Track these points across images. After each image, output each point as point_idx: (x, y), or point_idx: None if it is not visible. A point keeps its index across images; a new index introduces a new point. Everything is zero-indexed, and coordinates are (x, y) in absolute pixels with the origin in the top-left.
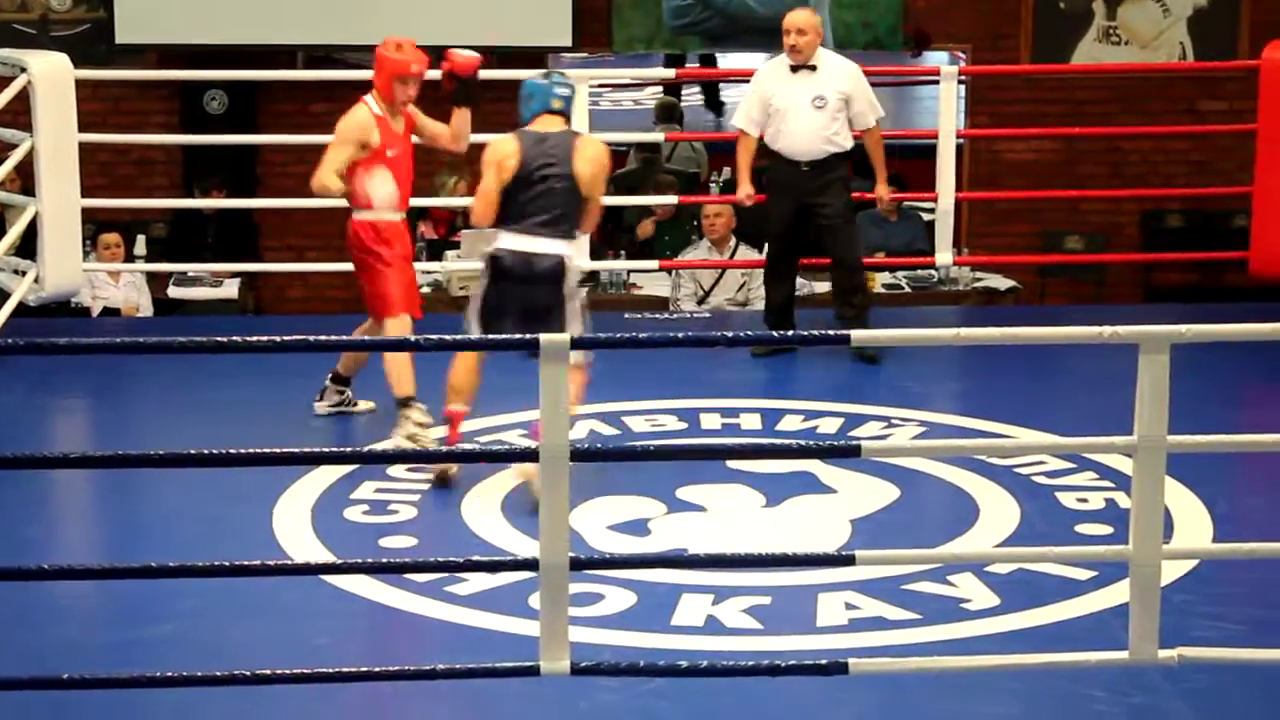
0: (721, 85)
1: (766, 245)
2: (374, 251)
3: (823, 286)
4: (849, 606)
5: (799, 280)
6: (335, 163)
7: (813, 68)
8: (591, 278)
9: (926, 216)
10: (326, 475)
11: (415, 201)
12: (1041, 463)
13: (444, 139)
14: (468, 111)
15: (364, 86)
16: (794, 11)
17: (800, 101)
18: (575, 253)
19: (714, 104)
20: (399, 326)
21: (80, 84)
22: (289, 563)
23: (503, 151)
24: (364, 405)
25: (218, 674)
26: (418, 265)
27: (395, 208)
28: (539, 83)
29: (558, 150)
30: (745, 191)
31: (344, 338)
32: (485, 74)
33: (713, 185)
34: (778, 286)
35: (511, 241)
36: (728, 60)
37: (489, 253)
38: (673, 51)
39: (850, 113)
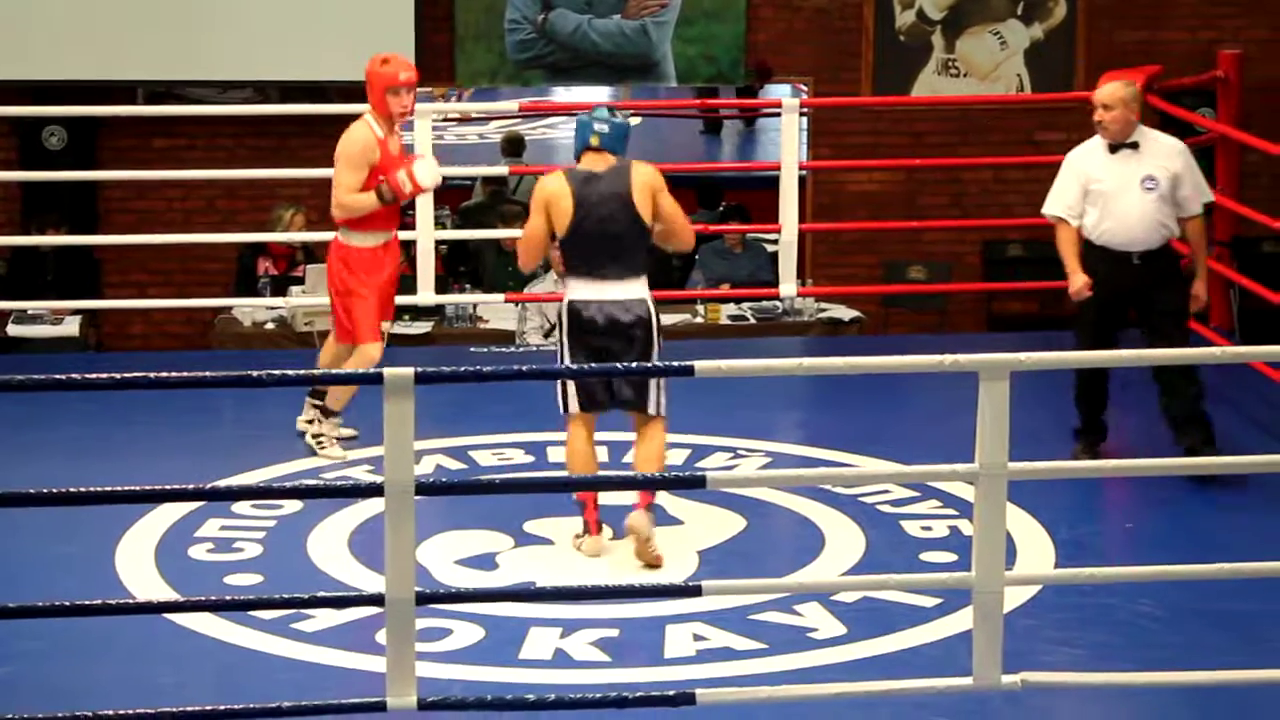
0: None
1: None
2: (357, 277)
3: (668, 318)
4: (697, 637)
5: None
6: (350, 184)
7: (1134, 145)
8: (437, 311)
9: (770, 248)
10: (170, 513)
11: (252, 237)
12: (886, 491)
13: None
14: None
15: (204, 122)
16: (1102, 85)
17: (1128, 183)
18: (648, 294)
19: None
20: (368, 354)
21: None
22: (131, 601)
23: (551, 190)
24: (345, 431)
25: (59, 715)
26: (260, 301)
27: (374, 229)
28: (581, 119)
29: (612, 185)
30: (1082, 281)
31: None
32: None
33: None
34: (1092, 399)
35: (586, 290)
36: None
37: (566, 303)
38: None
39: (1176, 195)
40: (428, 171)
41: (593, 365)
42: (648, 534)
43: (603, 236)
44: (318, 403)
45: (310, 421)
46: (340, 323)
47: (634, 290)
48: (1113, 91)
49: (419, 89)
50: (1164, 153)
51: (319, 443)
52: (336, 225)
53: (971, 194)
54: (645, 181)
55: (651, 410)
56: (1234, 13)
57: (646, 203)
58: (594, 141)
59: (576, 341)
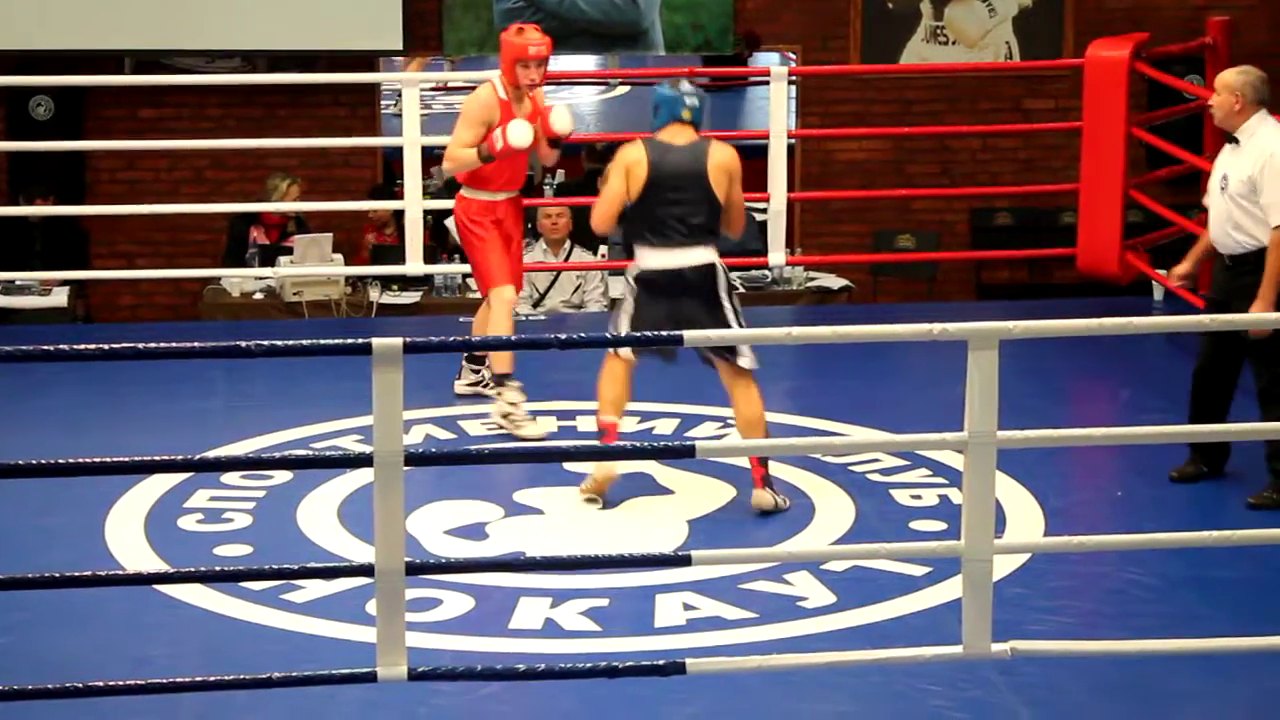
0: None
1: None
2: (475, 227)
3: None
4: (687, 607)
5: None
6: (463, 140)
7: (1235, 140)
8: (425, 281)
9: (759, 217)
10: (160, 484)
11: (239, 207)
12: (876, 460)
13: (542, 149)
14: (556, 152)
15: (192, 91)
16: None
17: (1215, 179)
18: (718, 258)
19: None
20: (502, 296)
21: None
22: (121, 573)
23: (631, 158)
24: (533, 430)
25: (49, 686)
26: (249, 271)
27: (502, 187)
28: (666, 93)
29: (690, 159)
30: (1182, 269)
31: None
32: (312, 78)
33: (546, 187)
34: (1206, 408)
35: (655, 258)
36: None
37: (635, 273)
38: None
39: (1260, 201)
40: (520, 132)
41: (579, 337)
42: (770, 506)
43: (675, 205)
44: (476, 368)
45: (474, 385)
46: (479, 272)
47: (702, 256)
48: (1226, 78)
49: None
50: (1253, 153)
51: (514, 423)
52: (460, 182)
53: (960, 162)
54: (721, 163)
55: (743, 363)
56: None
57: (722, 182)
58: (685, 115)
59: (644, 306)
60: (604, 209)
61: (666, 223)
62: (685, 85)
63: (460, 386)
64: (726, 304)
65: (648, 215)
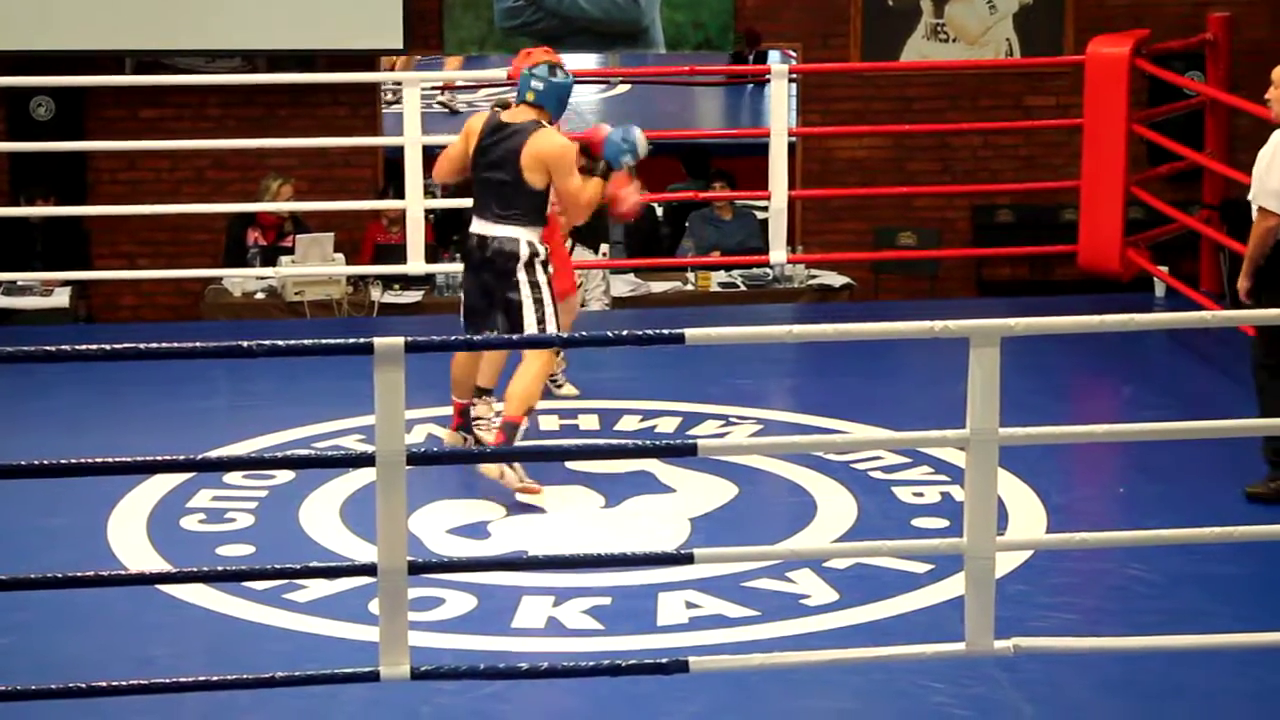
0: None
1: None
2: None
3: (658, 286)
4: (689, 605)
5: (634, 279)
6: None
7: None
8: (427, 280)
9: (760, 215)
10: (162, 484)
11: (240, 207)
12: (878, 458)
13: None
14: (597, 181)
15: (193, 91)
16: None
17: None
18: (532, 237)
19: None
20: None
21: None
22: (123, 573)
23: (471, 125)
24: (568, 389)
25: (52, 687)
26: (250, 272)
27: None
28: (524, 73)
29: (511, 140)
30: (1247, 286)
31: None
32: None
33: None
34: None
35: (472, 225)
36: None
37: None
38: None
39: None
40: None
41: (578, 335)
42: (493, 475)
43: (489, 181)
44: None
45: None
46: None
47: (507, 230)
48: (1277, 70)
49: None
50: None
51: (553, 383)
52: None
53: (961, 159)
54: (536, 151)
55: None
56: None
57: (535, 169)
58: (529, 97)
59: (466, 269)
60: (439, 160)
61: (483, 194)
62: (541, 67)
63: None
64: (523, 281)
65: (473, 183)
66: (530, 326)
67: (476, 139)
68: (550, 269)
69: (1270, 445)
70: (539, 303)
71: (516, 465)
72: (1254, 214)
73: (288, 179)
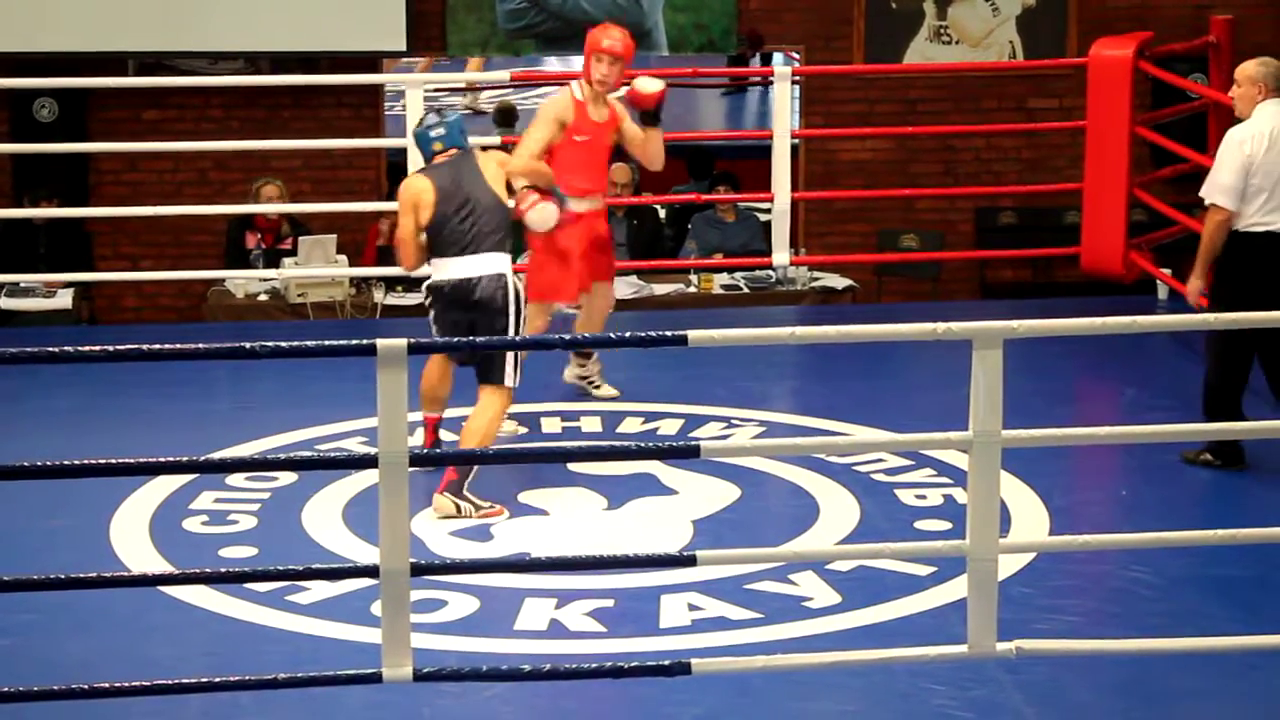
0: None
1: (1211, 362)
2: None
3: (661, 288)
4: (692, 607)
5: (637, 281)
6: (531, 142)
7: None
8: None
9: (763, 217)
10: (165, 485)
11: (241, 209)
12: (880, 460)
13: (637, 147)
14: (656, 131)
15: (195, 93)
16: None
17: None
18: (509, 268)
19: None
20: (534, 312)
21: None
22: (126, 574)
23: (416, 189)
24: (606, 390)
25: (54, 688)
26: (253, 273)
27: (578, 195)
28: (416, 132)
29: (467, 173)
30: (1199, 286)
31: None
32: (315, 79)
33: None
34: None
35: (453, 269)
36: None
37: (431, 284)
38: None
39: None
40: (539, 216)
41: (579, 336)
42: (447, 513)
43: (463, 218)
44: (582, 361)
45: (581, 377)
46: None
47: (493, 265)
48: (1242, 68)
49: (413, 59)
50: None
51: (590, 384)
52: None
53: (964, 162)
54: (492, 161)
55: (503, 382)
56: None
57: (498, 176)
58: (438, 146)
59: (443, 316)
60: (404, 253)
61: (464, 233)
62: (428, 118)
63: (568, 374)
64: (511, 324)
65: (445, 230)
66: (508, 369)
67: (433, 196)
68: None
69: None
70: (518, 326)
71: (468, 495)
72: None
73: (273, 180)
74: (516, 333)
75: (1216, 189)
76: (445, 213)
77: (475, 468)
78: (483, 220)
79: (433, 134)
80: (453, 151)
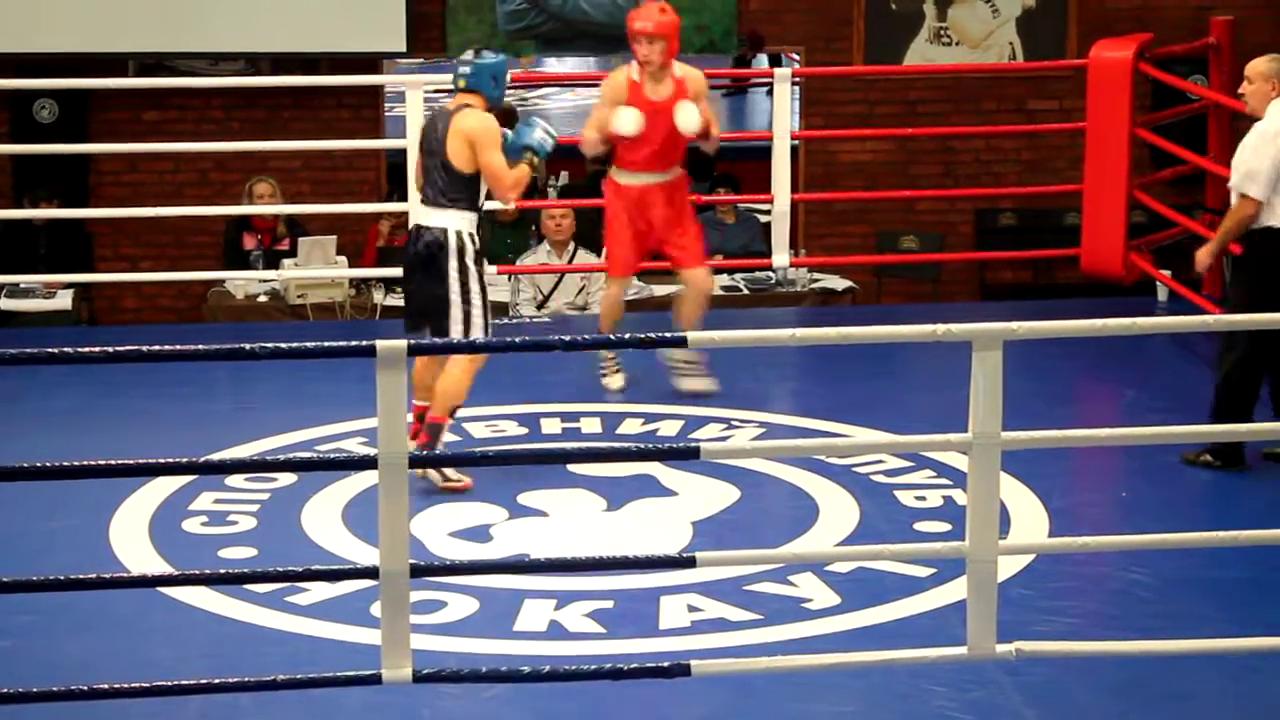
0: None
1: (1234, 360)
2: (606, 207)
3: (661, 289)
4: (691, 608)
5: (637, 282)
6: (593, 120)
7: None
8: None
9: (763, 218)
10: (164, 486)
11: (241, 210)
12: (880, 461)
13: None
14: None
15: (196, 94)
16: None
17: None
18: (462, 226)
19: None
20: (613, 286)
21: None
22: (125, 575)
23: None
24: (615, 381)
25: (54, 689)
26: (253, 274)
27: (634, 169)
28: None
29: (439, 125)
30: (1207, 262)
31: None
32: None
33: (550, 189)
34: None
35: (411, 216)
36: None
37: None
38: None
39: None
40: (625, 119)
41: (580, 339)
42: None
43: (426, 168)
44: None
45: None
46: (606, 254)
47: (438, 219)
48: (1253, 65)
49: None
50: None
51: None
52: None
53: (964, 163)
54: (459, 129)
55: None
56: None
57: (459, 148)
58: (460, 84)
59: (404, 267)
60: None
61: (423, 182)
62: (465, 54)
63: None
64: (451, 274)
65: (419, 172)
66: (455, 326)
67: (420, 134)
68: (484, 264)
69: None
70: (466, 300)
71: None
72: (1233, 200)
73: (263, 177)
74: (464, 290)
75: (1249, 178)
76: (421, 154)
77: (447, 426)
78: (436, 175)
79: (460, 69)
80: (461, 97)
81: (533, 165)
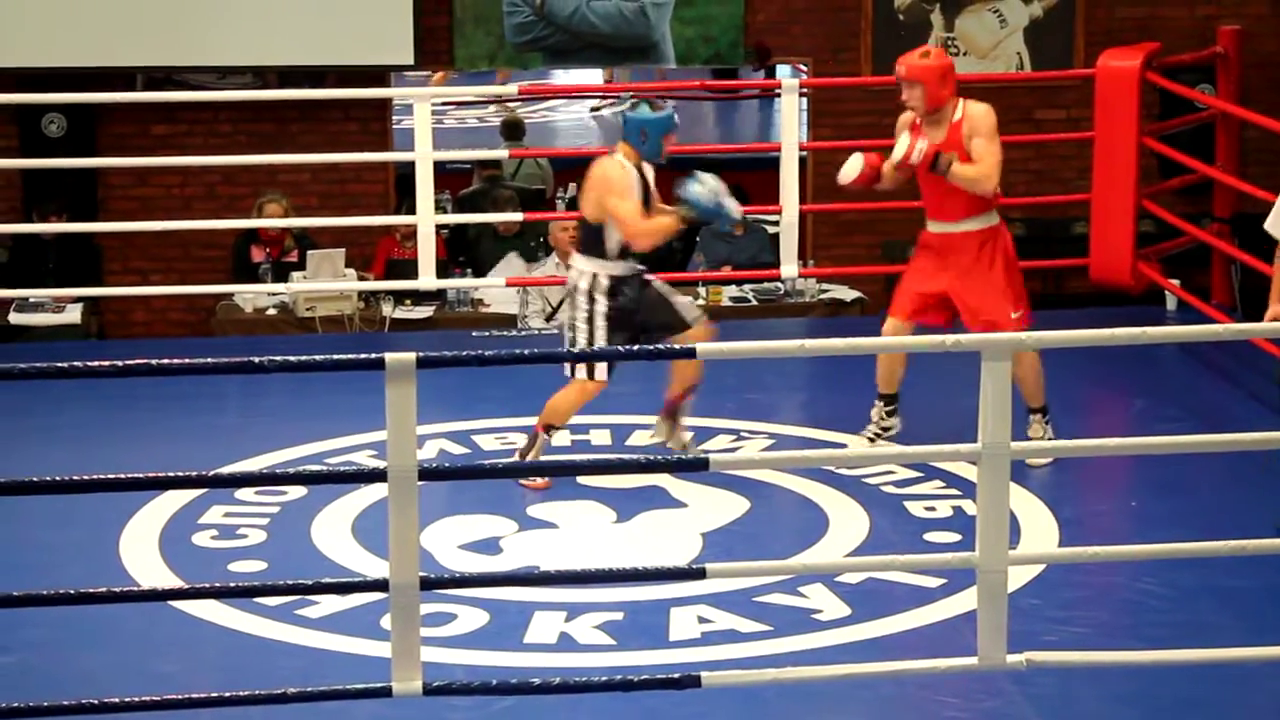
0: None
1: None
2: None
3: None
4: (701, 620)
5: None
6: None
7: None
8: (439, 295)
9: (771, 229)
10: (174, 500)
11: (249, 223)
12: (890, 472)
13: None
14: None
15: (204, 107)
16: None
17: None
18: (594, 268)
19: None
20: (887, 328)
21: None
22: (135, 589)
23: None
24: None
25: (64, 704)
26: (262, 287)
27: (930, 215)
28: None
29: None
30: (1277, 313)
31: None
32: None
33: (559, 201)
34: None
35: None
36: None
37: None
38: (515, 68)
39: None
40: (848, 167)
41: (589, 350)
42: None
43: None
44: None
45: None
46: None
47: (579, 264)
48: None
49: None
50: None
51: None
52: None
53: None
54: (589, 176)
55: (565, 374)
56: None
57: (588, 195)
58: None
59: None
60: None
61: None
62: (631, 102)
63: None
64: (580, 306)
65: None
66: (579, 345)
67: None
68: (616, 298)
69: None
70: (589, 324)
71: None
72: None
73: (275, 197)
74: (588, 327)
75: None
76: None
77: (542, 438)
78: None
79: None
80: (621, 145)
81: (683, 219)
